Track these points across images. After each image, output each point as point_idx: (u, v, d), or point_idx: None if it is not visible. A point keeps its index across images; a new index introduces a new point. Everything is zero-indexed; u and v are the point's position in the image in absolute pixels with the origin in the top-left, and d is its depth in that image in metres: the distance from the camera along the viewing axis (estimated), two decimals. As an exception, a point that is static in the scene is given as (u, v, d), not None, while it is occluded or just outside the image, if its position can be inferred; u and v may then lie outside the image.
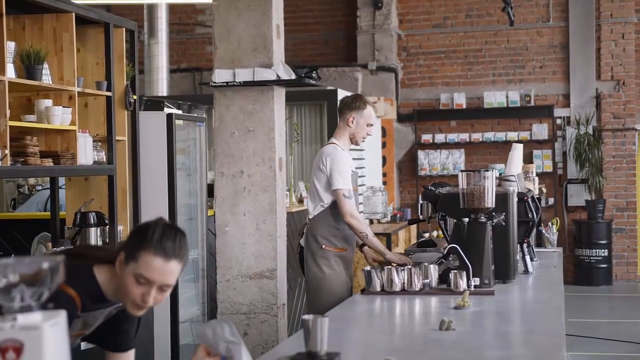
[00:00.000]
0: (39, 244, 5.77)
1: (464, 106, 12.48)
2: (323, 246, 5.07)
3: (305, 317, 2.63)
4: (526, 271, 4.83)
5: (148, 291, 2.49)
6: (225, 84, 5.35)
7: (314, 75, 5.55)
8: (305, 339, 2.64)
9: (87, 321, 2.66)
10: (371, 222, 10.21)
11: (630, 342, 8.20)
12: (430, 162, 12.53)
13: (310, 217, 5.16)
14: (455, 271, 4.10)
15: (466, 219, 4.27)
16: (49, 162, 4.95)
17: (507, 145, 11.23)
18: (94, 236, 5.34)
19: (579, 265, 11.97)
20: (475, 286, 4.12)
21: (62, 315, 1.81)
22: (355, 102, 5.18)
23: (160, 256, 2.48)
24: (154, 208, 6.04)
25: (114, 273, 2.58)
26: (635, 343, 8.18)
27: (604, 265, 11.89)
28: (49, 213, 5.83)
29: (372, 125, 5.21)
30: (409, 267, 4.24)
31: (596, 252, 11.86)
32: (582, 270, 11.94)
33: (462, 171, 4.35)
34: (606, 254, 11.88)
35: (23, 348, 1.72)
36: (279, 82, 5.32)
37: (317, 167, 5.15)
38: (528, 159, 11.96)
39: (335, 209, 5.10)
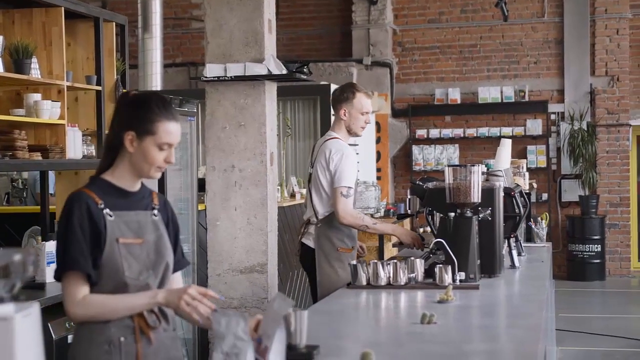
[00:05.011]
0: (29, 237, 5.78)
1: (459, 101, 12.50)
2: (339, 248, 4.99)
3: (285, 310, 2.65)
4: (513, 266, 4.85)
5: (169, 153, 2.83)
6: (216, 78, 5.35)
7: (305, 70, 5.53)
8: (286, 332, 2.66)
9: (129, 224, 2.80)
10: (364, 217, 10.23)
11: (623, 337, 8.23)
12: (425, 157, 12.54)
13: (320, 217, 5.02)
14: (441, 265, 4.11)
15: (452, 214, 4.28)
16: (37, 156, 4.96)
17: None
18: (83, 230, 5.33)
19: (572, 261, 11.99)
20: (460, 280, 4.13)
21: (34, 307, 1.82)
22: (343, 94, 5.10)
23: (173, 121, 2.82)
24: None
25: (121, 163, 2.82)
26: (627, 338, 8.21)
27: (597, 261, 11.92)
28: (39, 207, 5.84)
29: (367, 113, 5.09)
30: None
31: (589, 247, 11.88)
32: (575, 265, 11.97)
33: (448, 166, 4.36)
34: (599, 249, 11.91)
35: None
36: (270, 76, 5.32)
37: (321, 164, 5.02)
38: (522, 154, 11.99)
39: None
